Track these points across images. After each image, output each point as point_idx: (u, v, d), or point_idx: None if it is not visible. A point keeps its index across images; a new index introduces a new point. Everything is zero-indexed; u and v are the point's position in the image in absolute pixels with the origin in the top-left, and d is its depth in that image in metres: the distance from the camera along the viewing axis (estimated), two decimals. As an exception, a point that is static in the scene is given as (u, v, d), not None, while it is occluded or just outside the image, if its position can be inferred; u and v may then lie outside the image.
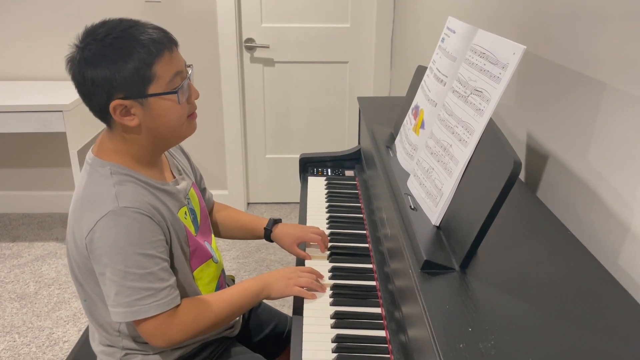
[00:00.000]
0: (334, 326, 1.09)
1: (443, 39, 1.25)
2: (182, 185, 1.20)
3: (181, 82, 1.05)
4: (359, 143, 1.93)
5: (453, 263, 0.85)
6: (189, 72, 1.09)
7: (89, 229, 1.01)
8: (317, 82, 3.21)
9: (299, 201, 3.41)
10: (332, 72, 3.20)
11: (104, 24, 1.03)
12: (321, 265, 1.31)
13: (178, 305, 1.06)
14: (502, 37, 0.94)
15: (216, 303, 1.11)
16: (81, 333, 2.28)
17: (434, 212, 0.98)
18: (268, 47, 3.10)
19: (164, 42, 1.02)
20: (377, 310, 1.14)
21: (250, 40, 3.07)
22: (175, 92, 1.04)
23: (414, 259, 0.88)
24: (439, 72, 1.17)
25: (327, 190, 1.71)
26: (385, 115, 1.71)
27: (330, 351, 1.03)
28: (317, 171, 1.87)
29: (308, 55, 3.14)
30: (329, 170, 1.87)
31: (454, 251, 0.87)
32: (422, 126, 1.19)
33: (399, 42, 2.97)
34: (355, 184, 1.75)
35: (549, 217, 1.03)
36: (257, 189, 3.43)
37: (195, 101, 1.11)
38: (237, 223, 1.44)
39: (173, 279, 1.07)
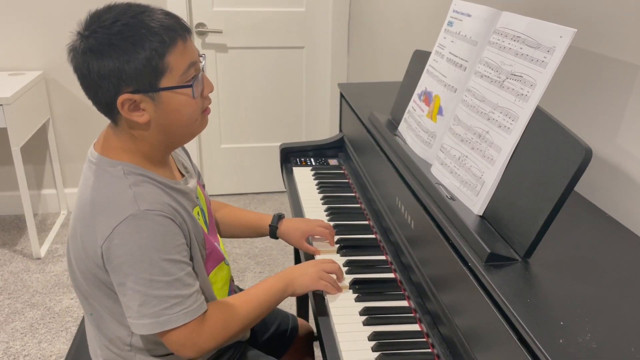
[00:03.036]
0: (366, 323, 1.05)
1: (451, 22, 1.22)
2: (192, 183, 1.11)
3: (195, 74, 0.97)
4: (340, 130, 1.89)
5: (513, 253, 0.83)
6: (202, 63, 1.00)
7: (106, 236, 0.91)
8: (273, 69, 3.12)
9: (259, 192, 3.36)
10: (288, 58, 3.12)
11: (110, 9, 0.92)
12: (333, 258, 1.26)
13: (206, 311, 0.98)
14: (540, 20, 0.92)
15: (243, 305, 1.05)
16: (42, 345, 2.12)
17: (475, 201, 0.96)
18: (221, 32, 2.97)
19: (178, 30, 0.93)
20: (404, 303, 1.11)
21: (201, 25, 2.93)
22: (191, 86, 0.95)
23: (471, 251, 0.85)
24: (456, 56, 1.15)
25: (317, 181, 1.65)
26: (372, 101, 1.67)
27: (370, 350, 0.99)
28: (301, 161, 1.81)
29: (262, 41, 3.04)
30: (312, 159, 1.82)
31: (511, 241, 0.85)
32: (440, 112, 1.16)
33: (357, 26, 2.93)
34: (343, 173, 1.71)
35: (582, 200, 1.04)
36: (213, 180, 3.31)
37: None
38: (239, 221, 1.36)
39: (197, 284, 0.99)
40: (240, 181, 3.35)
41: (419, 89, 1.30)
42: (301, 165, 1.79)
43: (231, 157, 3.27)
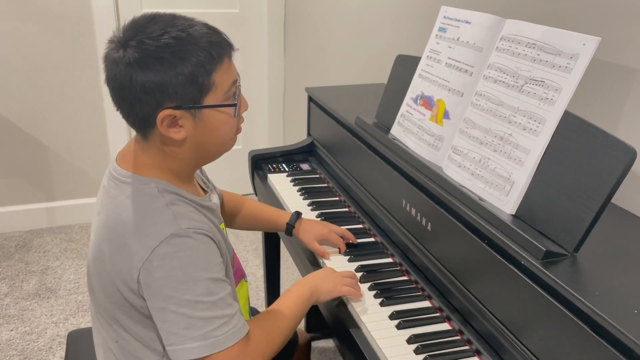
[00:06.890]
0: (400, 327, 1.07)
1: (444, 28, 1.26)
2: (215, 198, 1.07)
3: (236, 91, 0.94)
4: (309, 134, 1.88)
5: (561, 249, 0.88)
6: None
7: (144, 258, 0.86)
8: (207, 72, 3.03)
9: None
10: (223, 61, 3.04)
11: (155, 19, 0.87)
12: (341, 264, 1.27)
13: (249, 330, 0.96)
14: (557, 28, 0.98)
15: (279, 318, 1.03)
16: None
17: (505, 201, 1.01)
18: (151, 36, 2.83)
19: (224, 46, 0.91)
20: (427, 303, 1.14)
21: (130, 28, 2.78)
22: (234, 105, 0.93)
23: (523, 250, 0.89)
24: (458, 62, 1.19)
25: (297, 187, 1.64)
26: (343, 104, 1.68)
27: (414, 353, 1.00)
28: (274, 167, 1.78)
29: (196, 43, 2.94)
30: (284, 165, 1.80)
31: (555, 238, 0.90)
32: (446, 116, 1.20)
33: (293, 28, 2.93)
34: (320, 177, 1.71)
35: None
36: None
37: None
38: (260, 215, 1.38)
39: (238, 303, 0.96)
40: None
41: (412, 93, 1.33)
42: (275, 171, 1.76)
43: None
